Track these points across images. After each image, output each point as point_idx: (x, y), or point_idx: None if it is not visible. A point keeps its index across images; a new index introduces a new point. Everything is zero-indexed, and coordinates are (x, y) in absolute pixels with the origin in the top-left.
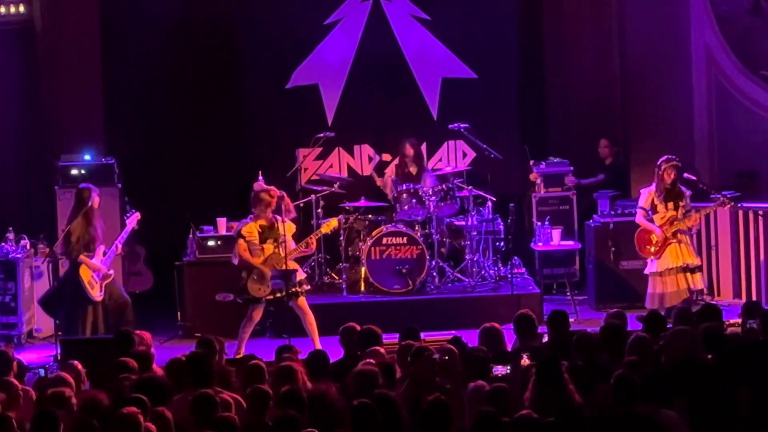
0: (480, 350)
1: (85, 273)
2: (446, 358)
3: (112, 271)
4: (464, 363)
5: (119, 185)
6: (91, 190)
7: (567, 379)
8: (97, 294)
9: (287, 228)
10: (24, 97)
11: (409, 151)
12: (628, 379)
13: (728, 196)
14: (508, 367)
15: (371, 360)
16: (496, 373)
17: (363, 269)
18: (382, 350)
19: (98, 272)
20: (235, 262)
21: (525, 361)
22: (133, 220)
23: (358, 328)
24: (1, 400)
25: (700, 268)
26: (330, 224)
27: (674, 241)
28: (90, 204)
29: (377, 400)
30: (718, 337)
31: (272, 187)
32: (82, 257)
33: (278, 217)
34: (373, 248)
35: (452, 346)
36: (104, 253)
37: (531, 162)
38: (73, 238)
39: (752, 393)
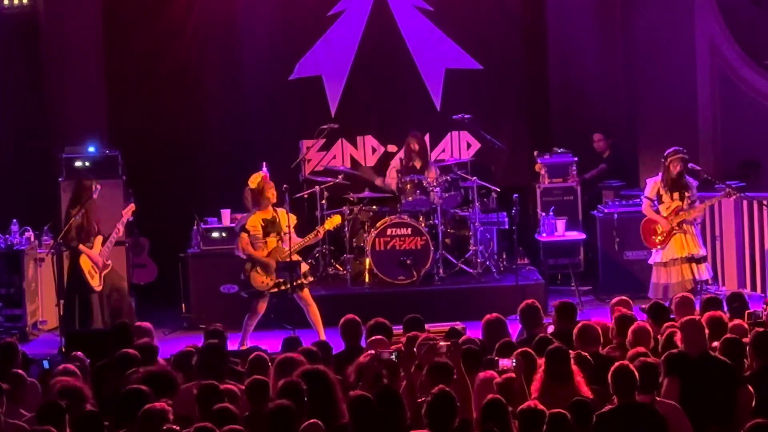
0: (474, 342)
1: (85, 263)
2: (451, 348)
3: (110, 262)
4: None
5: (123, 177)
6: (93, 181)
7: (575, 370)
8: (97, 284)
9: (290, 219)
10: (27, 89)
11: (414, 146)
12: (627, 371)
13: (733, 186)
14: (513, 360)
15: (371, 351)
16: (502, 367)
17: (367, 260)
18: (385, 339)
19: (97, 262)
20: (242, 255)
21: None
22: (127, 211)
23: (359, 320)
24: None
25: (705, 259)
26: (333, 221)
27: (679, 231)
28: (92, 195)
29: (377, 392)
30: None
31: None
32: (81, 247)
33: (278, 210)
34: (377, 239)
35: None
36: (102, 243)
37: (535, 153)
38: (73, 228)
39: (755, 389)
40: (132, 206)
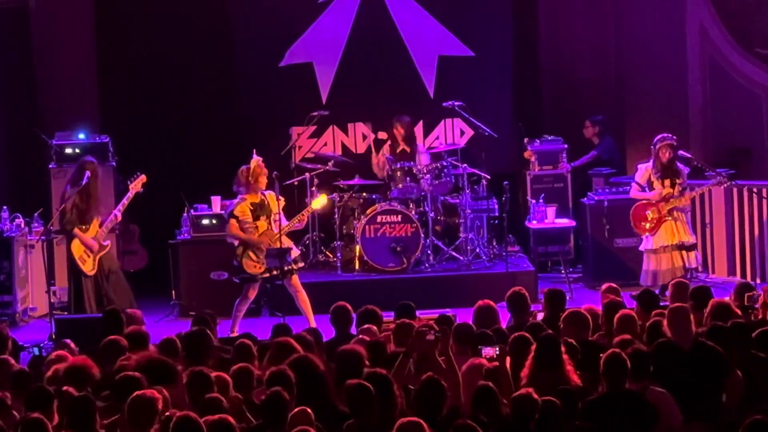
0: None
1: (76, 248)
2: (439, 335)
3: (107, 242)
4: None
5: (113, 163)
6: (96, 164)
7: (565, 359)
8: (89, 269)
9: (279, 203)
10: (18, 76)
11: (399, 130)
12: (618, 358)
13: (724, 174)
14: (497, 349)
15: (365, 337)
16: (486, 355)
17: (357, 247)
18: (374, 328)
19: (91, 247)
20: (234, 242)
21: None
22: (137, 183)
23: (349, 307)
24: None
25: (695, 246)
26: (318, 200)
27: (670, 218)
28: (94, 176)
29: (370, 378)
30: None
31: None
32: (76, 230)
33: (267, 193)
34: (367, 226)
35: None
36: (100, 224)
37: (525, 140)
38: (69, 208)
39: (744, 375)
40: (143, 177)
